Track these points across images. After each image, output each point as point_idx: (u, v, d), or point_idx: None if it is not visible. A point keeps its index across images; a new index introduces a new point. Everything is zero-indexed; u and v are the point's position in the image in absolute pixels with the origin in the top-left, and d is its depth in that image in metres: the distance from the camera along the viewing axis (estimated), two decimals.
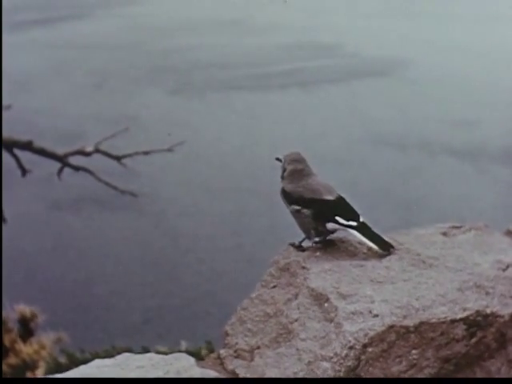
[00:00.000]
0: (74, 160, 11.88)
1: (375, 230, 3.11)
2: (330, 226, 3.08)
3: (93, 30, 37.50)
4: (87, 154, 11.49)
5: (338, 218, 3.07)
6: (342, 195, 3.18)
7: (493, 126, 23.91)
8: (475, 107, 25.77)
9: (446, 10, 39.75)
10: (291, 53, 33.06)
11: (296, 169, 3.23)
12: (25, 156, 11.78)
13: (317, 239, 3.15)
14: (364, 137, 23.50)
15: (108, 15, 41.32)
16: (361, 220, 3.08)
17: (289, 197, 3.19)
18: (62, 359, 8.95)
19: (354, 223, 3.06)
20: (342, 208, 3.11)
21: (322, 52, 33.06)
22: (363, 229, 3.05)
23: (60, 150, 11.63)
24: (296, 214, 3.18)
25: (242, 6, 42.02)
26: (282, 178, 3.27)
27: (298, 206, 3.15)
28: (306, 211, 3.13)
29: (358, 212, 3.12)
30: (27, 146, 11.20)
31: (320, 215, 3.10)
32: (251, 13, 40.33)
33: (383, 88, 28.37)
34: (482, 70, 29.81)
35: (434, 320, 2.74)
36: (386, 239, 3.10)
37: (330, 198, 3.13)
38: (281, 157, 3.32)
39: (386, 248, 3.06)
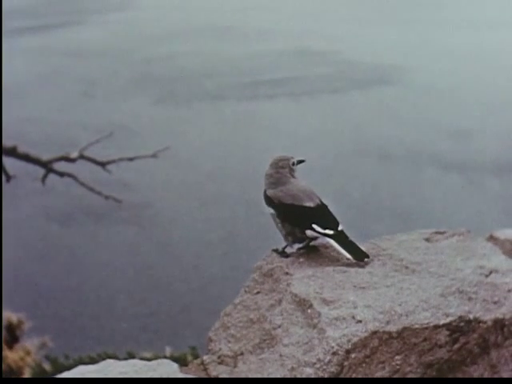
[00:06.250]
0: (61, 167, 11.79)
1: (358, 238, 3.10)
2: (310, 233, 3.08)
3: (85, 37, 37.45)
4: (72, 160, 11.39)
5: (314, 225, 3.05)
6: (327, 203, 3.17)
7: (486, 135, 23.95)
8: (470, 117, 25.77)
9: (441, 17, 39.87)
10: (281, 60, 33.02)
11: (275, 173, 3.23)
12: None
13: (299, 245, 3.15)
14: (356, 148, 23.45)
15: (102, 21, 41.26)
16: (339, 228, 3.06)
17: (269, 201, 3.19)
18: (47, 366, 8.92)
19: (330, 231, 3.04)
20: (319, 216, 3.09)
21: (314, 59, 33.01)
22: (339, 237, 3.04)
23: (46, 157, 11.54)
24: (272, 217, 3.18)
25: (231, 12, 42.05)
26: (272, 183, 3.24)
27: (274, 209, 3.16)
28: (278, 216, 3.13)
29: (340, 220, 3.11)
30: (12, 152, 11.07)
31: (298, 222, 3.09)
32: (241, 19, 40.33)
33: (377, 96, 28.32)
34: (478, 77, 29.86)
35: (416, 326, 2.75)
36: (362, 249, 3.09)
37: (310, 204, 3.12)
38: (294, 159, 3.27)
39: (361, 258, 3.05)
